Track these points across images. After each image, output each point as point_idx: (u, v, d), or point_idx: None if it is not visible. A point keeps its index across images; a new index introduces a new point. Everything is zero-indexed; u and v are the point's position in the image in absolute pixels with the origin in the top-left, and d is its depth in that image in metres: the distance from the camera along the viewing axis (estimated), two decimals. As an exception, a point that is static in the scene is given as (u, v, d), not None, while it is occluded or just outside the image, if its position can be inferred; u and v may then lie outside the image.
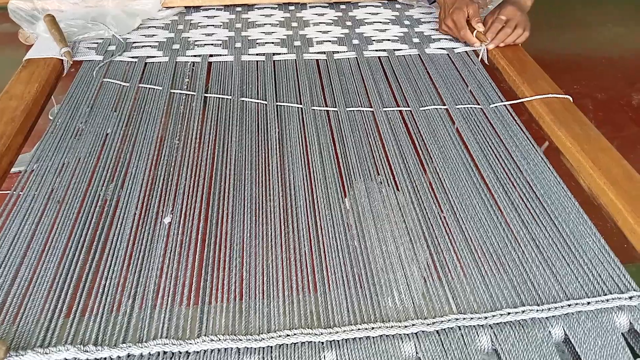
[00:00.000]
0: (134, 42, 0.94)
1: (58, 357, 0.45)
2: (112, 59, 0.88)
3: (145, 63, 0.88)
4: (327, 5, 1.10)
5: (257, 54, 0.92)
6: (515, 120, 0.76)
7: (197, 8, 1.07)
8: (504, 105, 0.79)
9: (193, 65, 0.89)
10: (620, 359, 0.47)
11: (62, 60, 0.86)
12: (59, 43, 0.87)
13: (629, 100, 1.67)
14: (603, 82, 1.73)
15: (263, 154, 0.70)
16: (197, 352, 0.46)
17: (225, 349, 0.47)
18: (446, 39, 0.98)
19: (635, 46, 2.02)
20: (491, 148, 0.71)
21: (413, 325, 0.49)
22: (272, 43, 0.96)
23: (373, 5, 1.11)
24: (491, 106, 0.79)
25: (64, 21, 0.92)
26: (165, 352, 0.46)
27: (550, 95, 0.79)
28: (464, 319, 0.49)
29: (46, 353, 0.46)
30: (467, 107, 0.79)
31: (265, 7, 1.09)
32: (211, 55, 0.91)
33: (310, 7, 1.10)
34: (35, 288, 0.51)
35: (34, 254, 0.55)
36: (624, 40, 2.03)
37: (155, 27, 1.00)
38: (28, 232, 0.57)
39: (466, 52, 0.94)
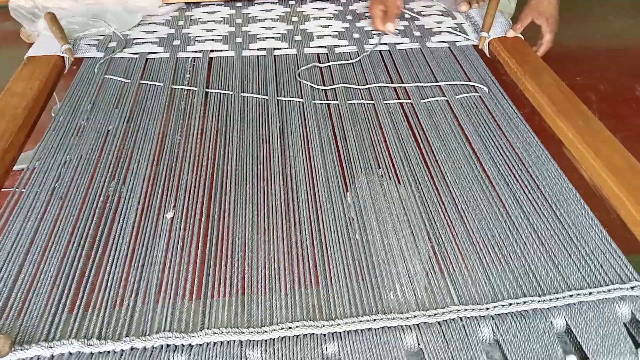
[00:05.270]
0: (135, 39, 0.94)
1: (62, 351, 0.46)
2: (113, 55, 0.88)
3: (146, 59, 0.88)
4: (327, -1, 1.10)
5: (257, 49, 0.92)
6: (516, 112, 0.76)
7: (197, 4, 1.07)
8: (505, 97, 0.79)
9: (194, 61, 0.89)
10: (622, 349, 0.47)
11: (63, 57, 0.86)
12: (60, 40, 0.87)
13: (632, 92, 1.66)
14: (606, 74, 1.72)
15: (264, 149, 0.70)
16: (200, 344, 0.47)
17: (228, 341, 0.47)
18: (447, 32, 0.97)
19: (638, 38, 2.00)
20: (492, 140, 0.71)
21: (415, 316, 0.49)
22: (273, 38, 0.95)
23: (373, -1, 1.10)
24: (493, 98, 0.79)
25: (64, 19, 0.92)
26: (168, 345, 0.47)
27: (552, 87, 0.78)
28: (466, 310, 0.49)
29: (50, 347, 0.46)
30: (469, 99, 0.79)
31: (265, 2, 1.09)
32: (212, 51, 0.91)
33: (311, 1, 1.10)
34: (39, 283, 0.52)
35: (37, 250, 0.55)
36: (627, 32, 2.02)
37: (155, 23, 1.00)
38: (31, 228, 0.57)
39: (467, 45, 0.93)
